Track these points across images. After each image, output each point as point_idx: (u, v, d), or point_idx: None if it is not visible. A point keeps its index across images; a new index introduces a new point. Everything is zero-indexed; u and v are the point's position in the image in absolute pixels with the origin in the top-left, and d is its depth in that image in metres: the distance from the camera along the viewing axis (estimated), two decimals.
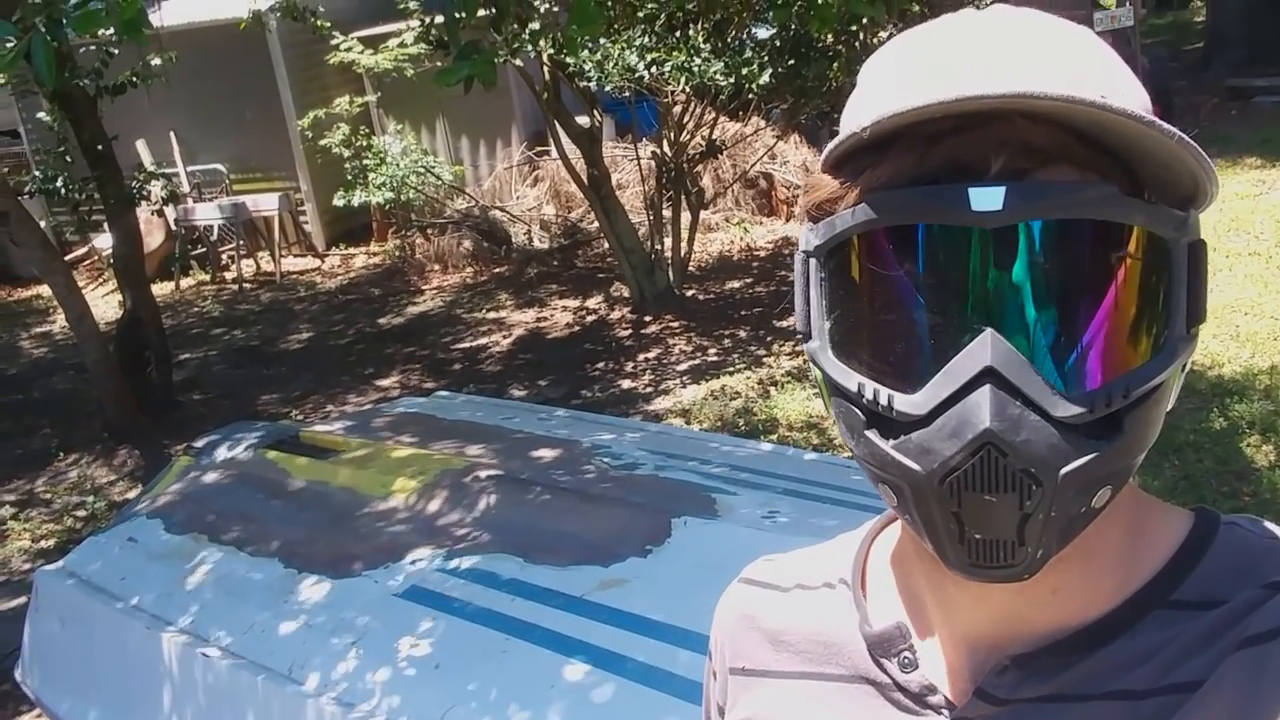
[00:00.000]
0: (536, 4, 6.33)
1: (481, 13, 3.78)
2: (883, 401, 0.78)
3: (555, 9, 6.76)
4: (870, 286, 0.81)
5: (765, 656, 1.02)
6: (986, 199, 0.72)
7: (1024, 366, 0.74)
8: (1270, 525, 0.89)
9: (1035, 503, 0.74)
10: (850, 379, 0.80)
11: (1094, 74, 0.77)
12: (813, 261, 0.84)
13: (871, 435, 0.79)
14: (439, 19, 4.03)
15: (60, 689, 3.30)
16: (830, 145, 0.80)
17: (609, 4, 7.41)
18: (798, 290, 0.86)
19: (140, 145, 12.00)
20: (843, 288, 0.82)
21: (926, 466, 0.76)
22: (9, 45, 2.66)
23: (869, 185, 0.78)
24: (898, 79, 0.80)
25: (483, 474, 3.26)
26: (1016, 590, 0.80)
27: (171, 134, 12.36)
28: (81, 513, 6.86)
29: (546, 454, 3.50)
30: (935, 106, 0.72)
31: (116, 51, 7.99)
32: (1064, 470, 0.74)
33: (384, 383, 8.52)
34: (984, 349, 0.74)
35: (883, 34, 7.76)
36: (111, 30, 2.97)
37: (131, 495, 6.32)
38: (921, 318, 0.78)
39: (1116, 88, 0.76)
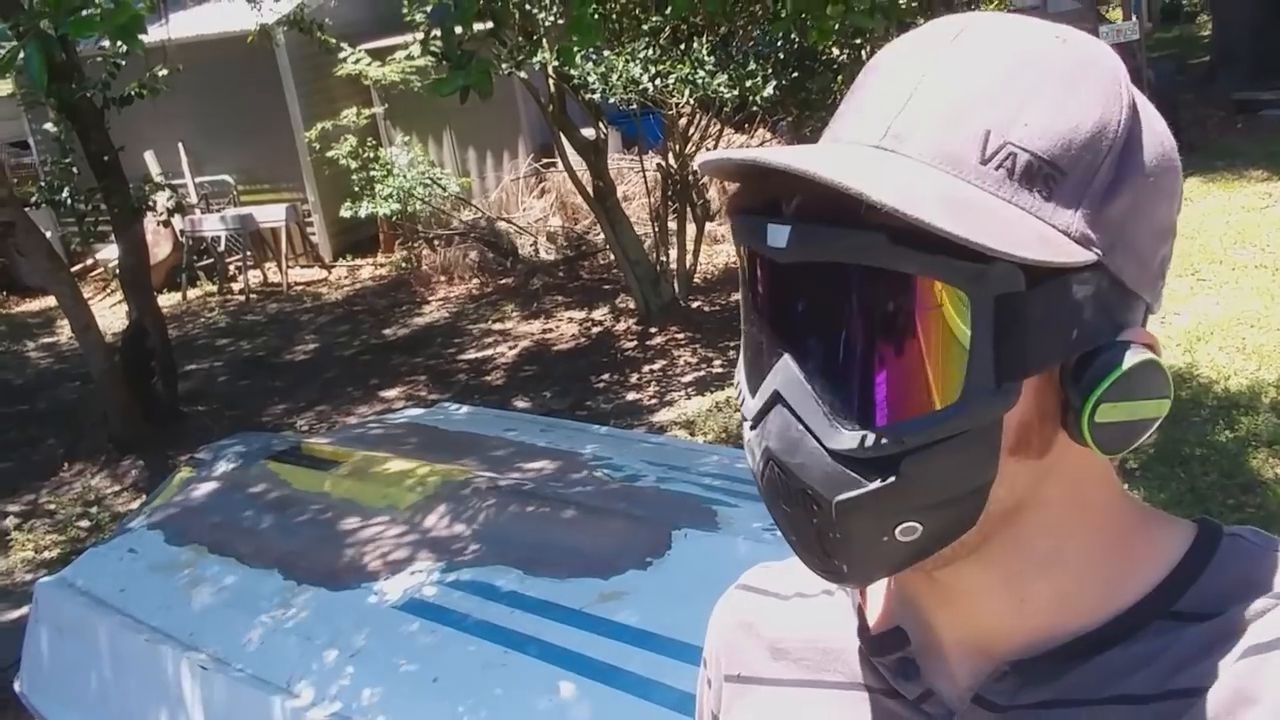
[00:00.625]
0: (539, 15, 6.34)
1: (481, 25, 3.78)
2: (741, 398, 0.85)
3: (558, 20, 6.76)
4: (742, 294, 0.88)
5: (763, 664, 1.01)
6: (777, 236, 0.77)
7: (807, 395, 0.78)
8: (1273, 537, 0.88)
9: (821, 522, 0.78)
10: (740, 373, 0.87)
11: (1000, 105, 0.77)
12: None
13: (746, 428, 0.85)
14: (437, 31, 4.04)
15: (59, 701, 3.30)
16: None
17: (613, 17, 7.43)
18: None
19: (148, 156, 12.04)
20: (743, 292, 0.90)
21: (752, 465, 0.83)
22: (3, 51, 2.67)
23: (729, 206, 0.84)
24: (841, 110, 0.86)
25: (483, 486, 3.25)
26: (989, 601, 0.84)
27: (180, 145, 12.40)
28: (85, 524, 6.87)
29: (547, 465, 3.50)
30: (726, 164, 0.80)
31: (124, 63, 8.02)
32: (837, 498, 0.77)
33: (389, 394, 8.52)
34: (775, 374, 0.80)
35: None
36: (109, 38, 2.97)
37: (135, 506, 6.32)
38: (754, 334, 0.86)
39: (1035, 117, 0.76)
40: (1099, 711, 0.81)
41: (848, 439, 0.76)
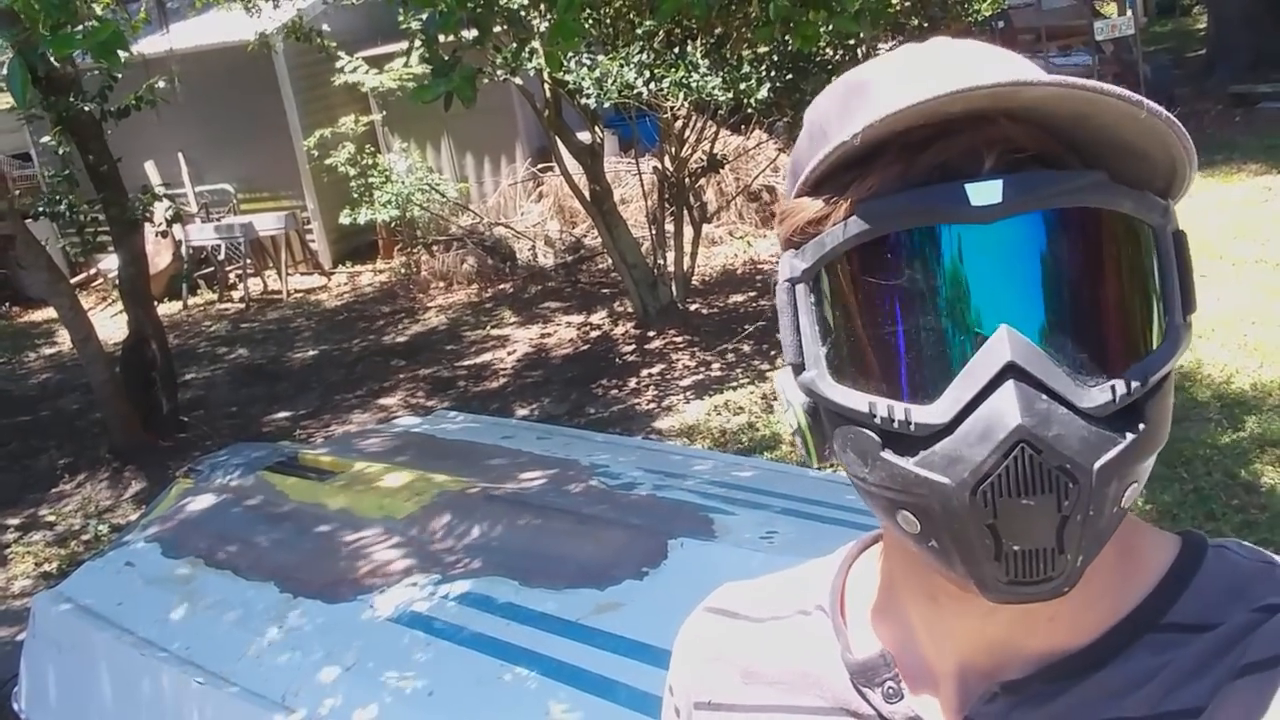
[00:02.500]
0: (534, 21, 6.34)
1: (469, 33, 3.78)
2: (899, 416, 0.75)
3: (543, 26, 6.77)
4: (869, 301, 0.78)
5: (734, 691, 0.98)
6: (985, 194, 0.72)
7: (1044, 359, 0.72)
8: (1256, 548, 0.88)
9: (1073, 502, 0.72)
10: (858, 400, 0.78)
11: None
12: (799, 288, 0.81)
13: (889, 456, 0.76)
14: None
15: (54, 714, 3.29)
16: (811, 163, 0.78)
17: (607, 22, 7.42)
18: (784, 321, 0.82)
19: (149, 166, 12.06)
20: (837, 308, 0.80)
21: (956, 477, 0.73)
22: None
23: (859, 197, 0.77)
24: (873, 92, 0.79)
25: (479, 496, 3.24)
26: (1017, 618, 0.79)
27: (180, 155, 12.42)
28: (85, 536, 6.86)
29: (544, 474, 3.48)
30: (931, 103, 0.70)
31: (120, 75, 8.02)
32: (1098, 463, 0.72)
33: (388, 400, 8.51)
34: (1002, 345, 0.72)
35: (883, 46, 7.76)
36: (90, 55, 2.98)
37: (135, 517, 6.32)
38: (929, 324, 0.76)
39: None
40: None
41: (1099, 394, 0.73)
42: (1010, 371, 0.72)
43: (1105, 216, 0.75)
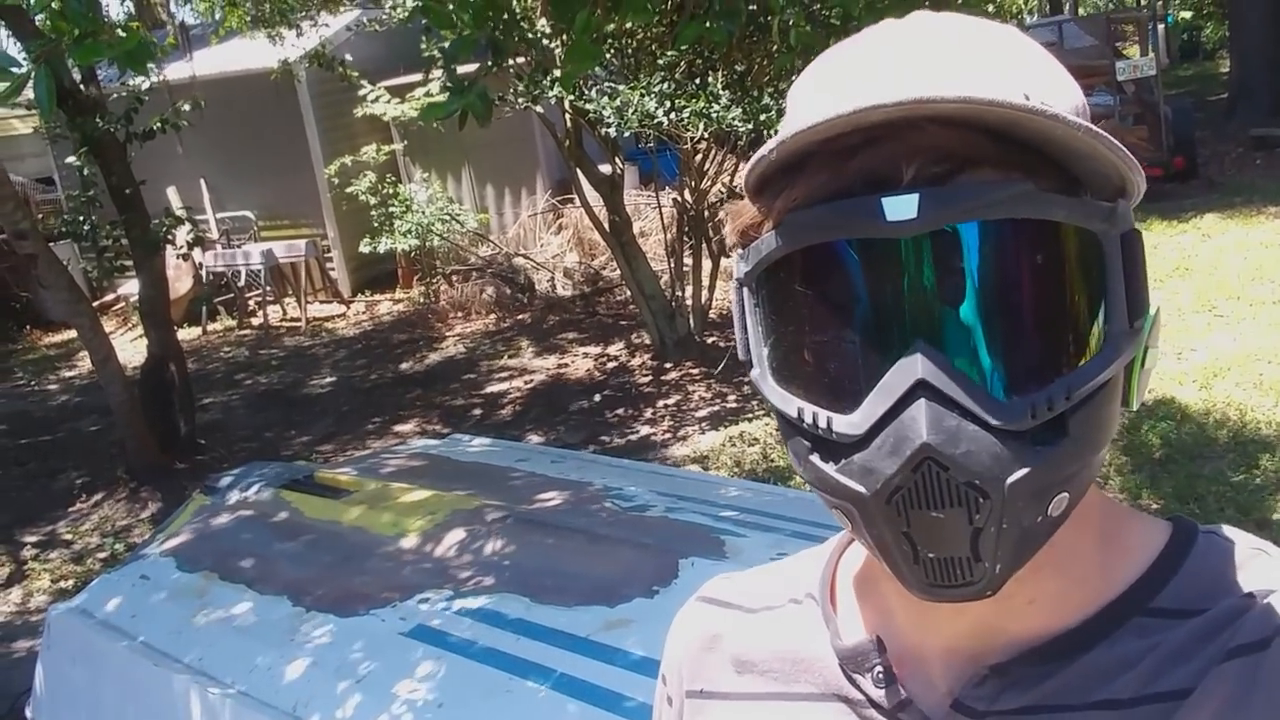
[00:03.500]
0: (554, 48, 6.39)
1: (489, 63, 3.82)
2: (821, 424, 0.77)
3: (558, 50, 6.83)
4: (799, 308, 0.79)
5: (727, 679, 0.99)
6: (900, 208, 0.70)
7: (958, 377, 0.72)
8: (1247, 534, 0.88)
9: (985, 516, 0.72)
10: (790, 404, 0.79)
11: (1011, 72, 0.76)
12: (745, 289, 0.83)
13: (815, 460, 0.78)
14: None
15: None
16: (745, 170, 0.79)
17: (629, 52, 7.47)
18: (735, 319, 0.84)
19: (171, 191, 12.16)
20: (775, 312, 0.81)
21: (870, 487, 0.74)
22: (16, 71, 2.71)
23: (785, 207, 0.77)
24: (807, 99, 0.80)
25: (492, 515, 3.26)
26: (992, 602, 0.78)
27: (202, 181, 12.51)
28: (102, 554, 6.90)
29: (557, 495, 3.50)
30: (833, 121, 0.70)
31: (146, 99, 8.11)
32: (1010, 480, 0.72)
33: (404, 428, 8.54)
34: (914, 362, 0.72)
35: None
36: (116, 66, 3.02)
37: (151, 533, 6.36)
38: (851, 336, 0.77)
39: (1038, 85, 0.76)
40: (1082, 717, 0.80)
41: (1017, 410, 0.72)
42: (921, 389, 0.72)
43: (1032, 226, 0.73)
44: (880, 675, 0.88)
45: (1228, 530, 0.88)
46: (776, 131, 0.75)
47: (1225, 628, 0.79)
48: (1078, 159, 0.74)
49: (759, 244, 0.80)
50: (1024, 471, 0.72)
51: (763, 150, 0.75)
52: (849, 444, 0.75)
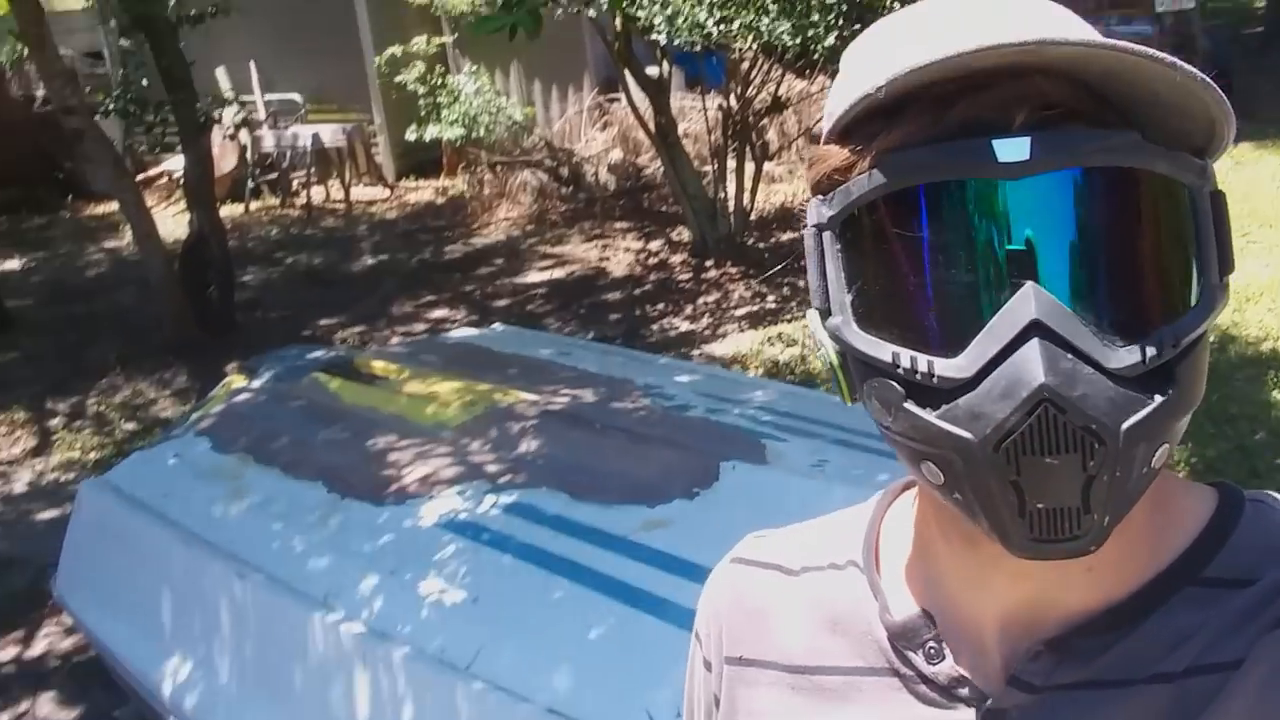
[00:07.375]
0: None
1: None
2: (922, 368, 0.74)
3: None
4: (895, 252, 0.76)
5: (769, 645, 0.95)
6: (1013, 150, 0.70)
7: (1071, 319, 0.71)
8: None
9: (1099, 462, 0.70)
10: (883, 350, 0.76)
11: (1090, 30, 0.77)
12: (826, 235, 0.80)
13: (912, 407, 0.74)
14: None
15: (92, 600, 3.30)
16: (838, 112, 0.77)
17: None
18: (811, 266, 0.81)
19: (220, 72, 12.10)
20: (864, 257, 0.78)
21: (979, 432, 0.71)
22: None
23: (885, 148, 0.74)
24: (886, 55, 0.76)
25: (532, 409, 3.20)
26: (1054, 570, 0.76)
27: (251, 63, 12.43)
28: (131, 426, 6.91)
29: (599, 392, 3.44)
30: (956, 59, 0.69)
31: None
32: (1126, 425, 0.70)
33: (442, 313, 8.52)
34: (1027, 303, 0.70)
35: None
36: None
37: (186, 410, 6.37)
38: (954, 278, 0.74)
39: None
40: (1139, 692, 0.79)
41: (1128, 355, 0.71)
42: (1035, 329, 0.70)
43: (1138, 175, 0.73)
44: (933, 651, 0.85)
45: (1273, 497, 0.86)
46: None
47: (1275, 599, 0.78)
48: (1168, 115, 0.73)
49: (849, 186, 0.77)
50: (1139, 416, 0.71)
51: (867, 88, 0.72)
52: (952, 389, 0.73)
